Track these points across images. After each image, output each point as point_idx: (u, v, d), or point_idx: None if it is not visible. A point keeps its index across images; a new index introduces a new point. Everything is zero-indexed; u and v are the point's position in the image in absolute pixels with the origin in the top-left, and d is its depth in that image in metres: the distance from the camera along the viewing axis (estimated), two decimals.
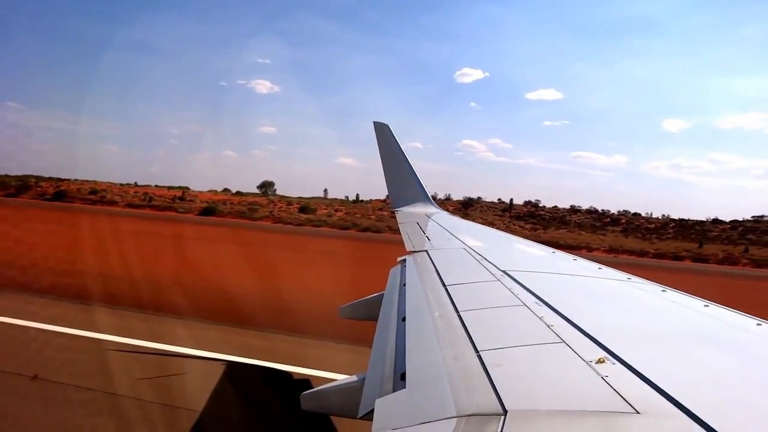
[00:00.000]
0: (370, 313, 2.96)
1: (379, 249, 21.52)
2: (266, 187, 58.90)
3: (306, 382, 5.83)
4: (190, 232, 24.91)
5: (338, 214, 46.80)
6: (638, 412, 1.01)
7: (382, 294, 2.91)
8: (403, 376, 1.44)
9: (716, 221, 54.67)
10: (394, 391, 1.40)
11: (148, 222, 27.28)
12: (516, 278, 2.41)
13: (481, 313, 1.93)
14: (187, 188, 53.51)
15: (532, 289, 2.16)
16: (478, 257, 3.17)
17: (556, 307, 1.85)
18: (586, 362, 1.30)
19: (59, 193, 44.77)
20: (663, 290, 2.28)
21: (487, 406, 1.10)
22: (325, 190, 59.65)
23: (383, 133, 6.72)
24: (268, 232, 29.15)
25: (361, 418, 1.47)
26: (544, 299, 1.97)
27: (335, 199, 57.35)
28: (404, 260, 3.46)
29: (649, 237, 48.24)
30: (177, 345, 6.71)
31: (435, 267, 2.95)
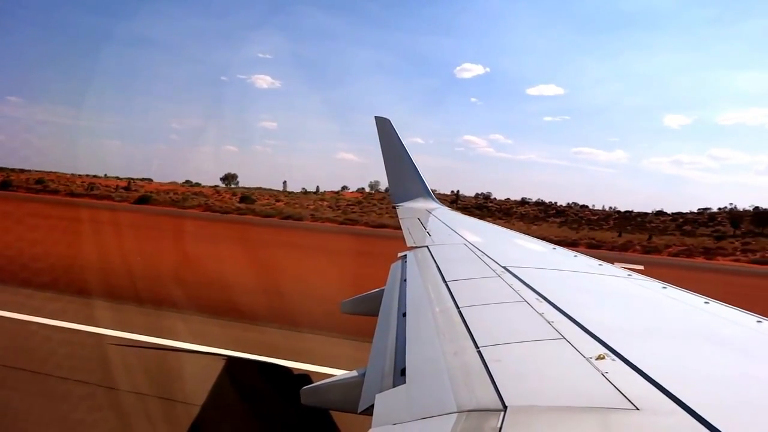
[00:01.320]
0: (370, 308, 2.97)
1: (253, 232, 25.41)
2: (229, 179, 61.15)
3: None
4: (85, 215, 25.91)
5: (278, 204, 48.63)
6: (638, 409, 1.01)
7: (383, 289, 2.92)
8: (403, 372, 1.44)
9: (660, 213, 58.77)
10: (394, 386, 1.41)
11: (56, 207, 28.25)
12: (516, 274, 2.41)
13: (482, 309, 1.93)
14: (150, 180, 56.55)
15: (532, 285, 2.16)
16: (478, 253, 3.17)
17: (556, 304, 1.85)
18: (586, 359, 1.30)
19: (5, 183, 46.80)
20: (663, 287, 2.28)
21: (487, 402, 1.10)
22: (284, 183, 62.35)
23: (384, 127, 6.69)
24: (170, 217, 30.30)
25: (361, 413, 1.48)
26: (545, 295, 1.98)
27: (292, 192, 60.24)
28: (405, 256, 3.47)
29: (584, 227, 51.10)
30: None
31: (436, 262, 2.95)
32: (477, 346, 1.46)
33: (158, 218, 28.58)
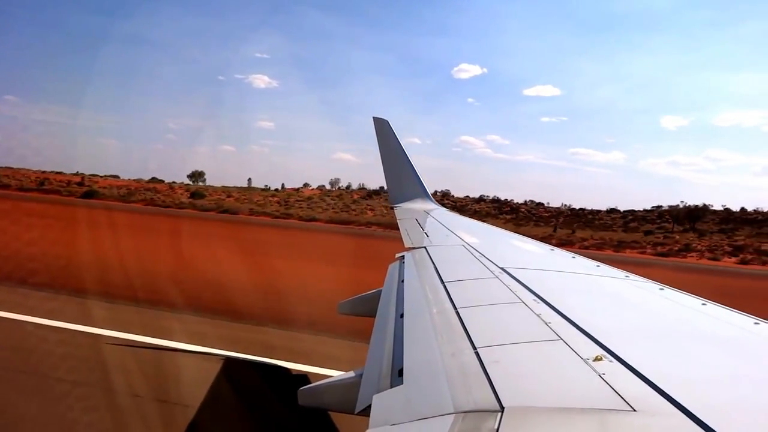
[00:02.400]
0: (368, 309, 2.97)
1: (151, 221, 26.89)
2: (196, 176, 62.97)
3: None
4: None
5: (228, 200, 50.69)
6: (635, 410, 1.02)
7: (381, 290, 2.91)
8: (400, 372, 1.44)
9: (612, 210, 61.07)
10: (391, 387, 1.40)
11: None
12: (514, 275, 2.41)
13: (479, 310, 1.93)
14: (117, 176, 58.44)
15: (530, 287, 2.16)
16: (476, 254, 3.17)
17: (554, 305, 1.85)
18: (584, 360, 1.30)
19: None
20: (661, 288, 2.28)
21: (485, 403, 1.10)
22: (249, 180, 64.76)
23: (383, 128, 6.69)
24: (106, 210, 30.70)
25: (358, 413, 1.47)
26: (542, 296, 1.98)
27: (254, 188, 62.87)
28: (403, 257, 3.47)
29: (530, 223, 53.16)
30: None
31: (433, 263, 2.95)
32: (474, 347, 1.46)
33: (74, 209, 28.87)
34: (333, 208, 52.99)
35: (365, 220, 43.11)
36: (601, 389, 1.12)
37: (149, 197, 46.01)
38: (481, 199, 66.67)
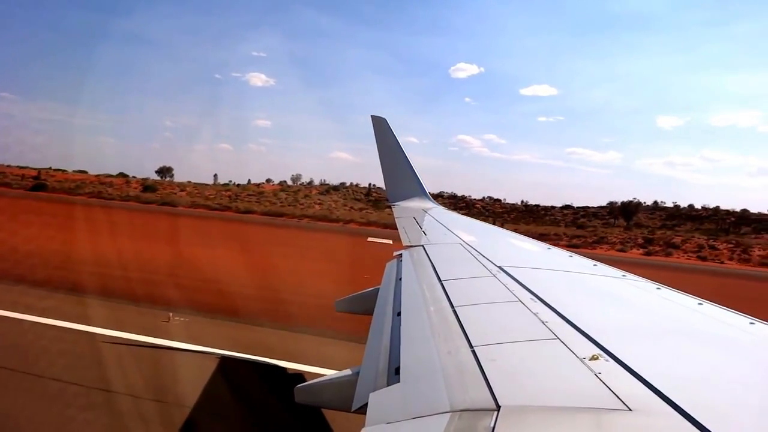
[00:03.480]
0: (365, 307, 2.97)
1: (78, 210, 27.72)
2: (164, 172, 65.20)
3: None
4: None
5: (181, 194, 52.72)
6: (630, 410, 1.02)
7: (378, 288, 2.91)
8: (397, 371, 1.44)
9: (567, 207, 65.07)
10: (388, 385, 1.40)
11: None
12: (511, 274, 2.41)
13: (477, 308, 1.93)
14: (86, 171, 60.23)
15: (527, 285, 2.16)
16: (474, 253, 3.17)
17: (551, 304, 1.85)
18: (580, 359, 1.30)
19: None
20: (657, 288, 2.29)
21: (481, 402, 1.10)
22: (215, 176, 66.79)
23: (381, 127, 6.68)
24: (43, 202, 31.63)
25: (354, 411, 1.47)
26: (539, 295, 1.98)
27: (218, 183, 65.39)
28: (400, 255, 3.46)
29: (481, 218, 53.80)
30: None
31: (431, 262, 2.95)
32: (471, 346, 1.46)
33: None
34: (281, 203, 54.50)
35: (300, 213, 45.47)
36: (597, 388, 1.13)
37: (97, 190, 47.76)
38: (439, 195, 69.17)
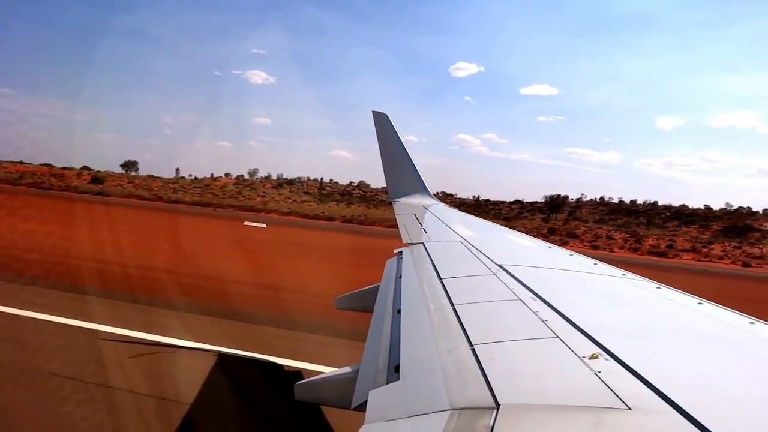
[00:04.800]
0: (365, 304, 2.97)
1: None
2: (128, 166, 66.83)
3: None
4: None
5: (128, 186, 54.70)
6: (630, 408, 1.02)
7: (378, 285, 2.91)
8: (397, 368, 1.44)
9: (516, 202, 67.78)
10: (387, 382, 1.41)
11: None
12: (512, 272, 2.41)
13: (477, 306, 1.93)
14: (51, 165, 59.80)
15: (527, 284, 2.16)
16: (474, 251, 3.17)
17: (550, 302, 1.85)
18: (580, 358, 1.31)
19: None
20: (657, 287, 2.29)
21: (480, 400, 1.10)
22: (177, 170, 68.08)
23: (382, 123, 6.65)
24: None
25: (354, 409, 1.48)
26: (539, 294, 1.98)
27: (180, 177, 66.87)
28: (401, 252, 3.46)
29: None
30: None
31: (431, 259, 2.95)
32: (471, 344, 1.46)
33: None
34: (222, 195, 55.63)
35: (227, 203, 47.57)
36: (596, 387, 1.13)
37: (38, 180, 49.17)
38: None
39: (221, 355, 6.29)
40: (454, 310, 1.84)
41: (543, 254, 3.54)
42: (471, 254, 3.08)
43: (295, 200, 58.89)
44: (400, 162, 6.71)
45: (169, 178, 64.32)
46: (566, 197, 64.38)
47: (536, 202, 66.70)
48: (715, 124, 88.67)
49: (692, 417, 0.97)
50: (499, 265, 2.59)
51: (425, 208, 5.91)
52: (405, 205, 6.14)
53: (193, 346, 6.57)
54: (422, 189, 6.74)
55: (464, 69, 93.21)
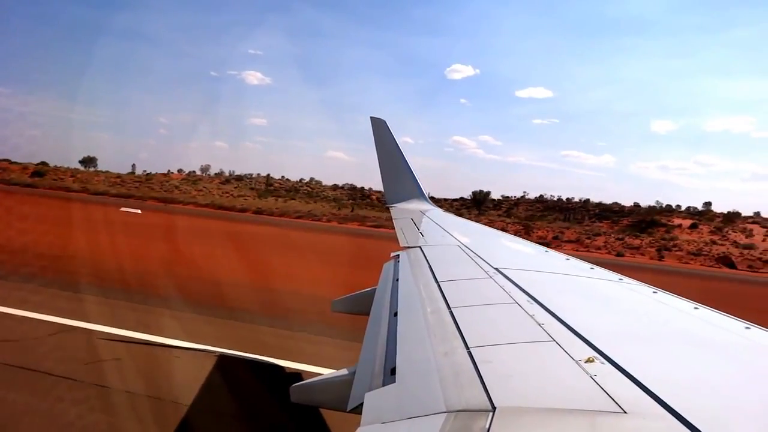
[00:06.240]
0: (362, 307, 2.97)
1: None
2: (87, 162, 70.56)
3: None
4: None
5: (69, 180, 56.77)
6: (625, 412, 1.02)
7: (375, 289, 2.91)
8: (393, 371, 1.44)
9: (459, 198, 72.91)
10: (384, 385, 1.40)
11: None
12: (508, 276, 2.41)
13: (473, 310, 1.94)
14: (9, 160, 63.33)
15: (523, 287, 2.17)
16: (471, 254, 3.17)
17: (547, 306, 1.86)
18: (576, 361, 1.31)
19: None
20: (654, 292, 2.30)
21: (476, 403, 1.10)
22: (133, 165, 72.19)
23: (380, 128, 6.68)
24: None
25: (350, 411, 1.47)
26: (536, 297, 1.98)
27: (131, 172, 70.32)
28: (398, 256, 3.47)
29: (368, 208, 61.25)
30: None
31: (428, 263, 2.96)
32: (467, 347, 1.46)
33: None
34: (158, 189, 57.51)
35: (149, 195, 49.86)
36: (592, 390, 1.13)
37: None
38: (336, 187, 76.75)
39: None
40: (451, 313, 1.84)
41: (539, 258, 3.55)
42: (468, 258, 3.09)
43: (231, 195, 60.74)
44: (397, 167, 6.73)
45: (125, 174, 66.54)
46: (488, 193, 71.97)
47: (462, 198, 73.18)
48: (709, 128, 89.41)
49: (688, 421, 0.98)
50: (496, 269, 2.60)
51: (423, 212, 5.92)
52: (402, 210, 6.16)
53: None
54: (420, 194, 6.76)
55: (460, 71, 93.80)
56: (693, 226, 50.79)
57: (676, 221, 53.34)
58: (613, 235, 45.94)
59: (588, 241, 41.53)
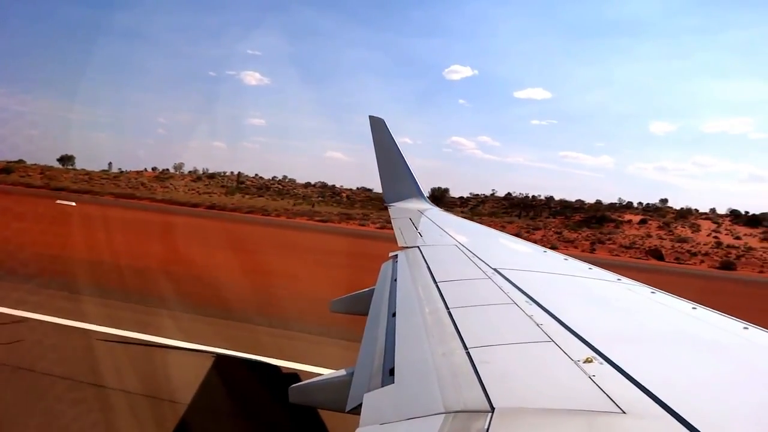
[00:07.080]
0: (360, 307, 2.96)
1: None
2: (65, 160, 70.00)
3: None
4: None
5: (37, 177, 56.36)
6: (624, 412, 1.02)
7: (374, 289, 2.91)
8: (392, 371, 1.44)
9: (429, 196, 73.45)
10: (382, 385, 1.40)
11: None
12: (507, 276, 2.41)
13: (471, 310, 1.93)
14: None
15: (522, 288, 2.17)
16: (469, 254, 3.17)
17: (545, 306, 1.86)
18: (574, 361, 1.31)
19: None
20: (652, 292, 2.30)
21: (475, 403, 1.10)
22: (110, 164, 71.48)
23: (378, 127, 6.67)
24: None
25: (348, 412, 1.47)
26: (534, 298, 1.98)
27: (109, 170, 69.01)
28: (396, 256, 3.46)
29: (336, 205, 62.10)
30: None
31: (426, 263, 2.95)
32: (466, 347, 1.46)
33: None
34: (123, 186, 57.07)
35: (108, 191, 49.82)
36: (591, 391, 1.13)
37: None
38: (307, 185, 77.49)
39: None
40: (449, 313, 1.84)
41: (538, 258, 3.55)
42: (466, 258, 3.09)
43: (197, 192, 60.68)
44: (396, 167, 6.72)
45: (98, 171, 66.33)
46: (446, 189, 72.40)
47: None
48: (707, 129, 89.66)
49: (686, 421, 0.98)
50: (495, 269, 2.60)
51: (421, 212, 5.92)
52: (401, 210, 6.15)
53: None
54: (418, 194, 6.76)
55: (458, 72, 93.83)
56: (642, 222, 51.23)
57: (627, 217, 53.75)
58: (553, 230, 47.14)
59: (527, 234, 42.42)
